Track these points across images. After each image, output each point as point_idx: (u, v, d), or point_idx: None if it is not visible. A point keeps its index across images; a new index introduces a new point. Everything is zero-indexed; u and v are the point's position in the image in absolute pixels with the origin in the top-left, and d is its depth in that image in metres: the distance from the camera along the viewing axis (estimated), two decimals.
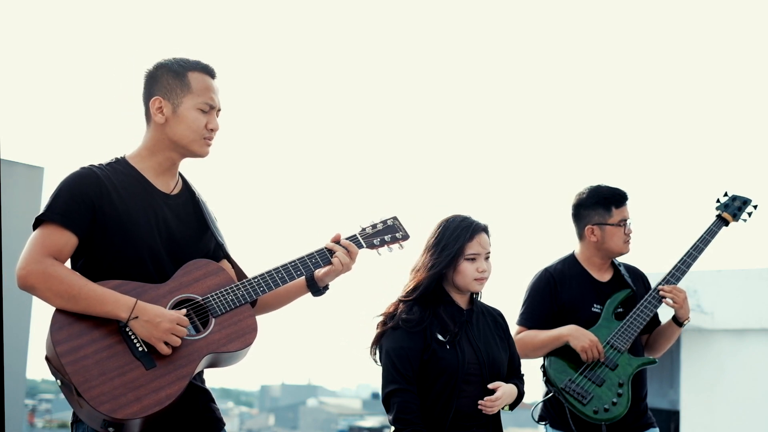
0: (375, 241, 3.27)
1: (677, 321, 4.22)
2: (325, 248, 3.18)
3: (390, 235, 3.30)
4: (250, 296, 3.01)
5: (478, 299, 3.62)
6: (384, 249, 3.29)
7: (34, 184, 7.83)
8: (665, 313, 4.30)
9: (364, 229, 3.29)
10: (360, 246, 3.24)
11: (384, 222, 3.32)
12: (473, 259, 3.48)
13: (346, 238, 3.23)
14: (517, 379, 3.59)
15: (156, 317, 2.82)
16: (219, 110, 3.10)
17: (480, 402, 3.39)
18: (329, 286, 3.26)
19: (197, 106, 3.04)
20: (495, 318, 3.64)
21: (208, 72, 3.09)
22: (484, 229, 3.54)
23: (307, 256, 3.15)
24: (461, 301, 3.55)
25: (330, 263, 3.16)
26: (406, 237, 3.32)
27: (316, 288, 3.24)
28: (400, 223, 3.34)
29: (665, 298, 4.17)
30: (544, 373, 4.15)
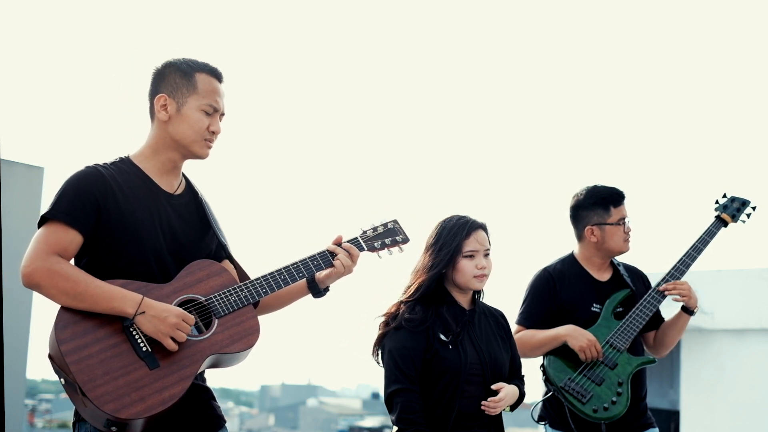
0: (376, 244, 3.29)
1: (688, 310, 4.23)
2: (327, 251, 3.19)
3: (390, 238, 3.31)
4: (253, 297, 3.03)
5: (480, 299, 3.62)
6: (384, 252, 3.31)
7: (34, 184, 7.85)
8: (668, 312, 4.32)
9: (365, 232, 3.30)
10: (361, 249, 3.25)
11: (385, 225, 3.34)
12: (472, 256, 3.49)
13: (348, 241, 3.25)
14: (518, 380, 3.59)
15: (162, 312, 2.83)
16: (222, 114, 3.11)
17: (483, 403, 3.39)
18: (329, 288, 3.28)
19: (201, 107, 3.05)
20: (497, 318, 3.64)
21: (216, 75, 3.10)
22: (482, 227, 3.55)
23: (309, 258, 3.16)
24: (463, 301, 3.55)
25: (331, 265, 3.18)
26: (406, 240, 3.34)
27: (317, 290, 3.25)
28: (400, 227, 3.36)
29: (670, 295, 4.17)
30: (544, 373, 4.16)
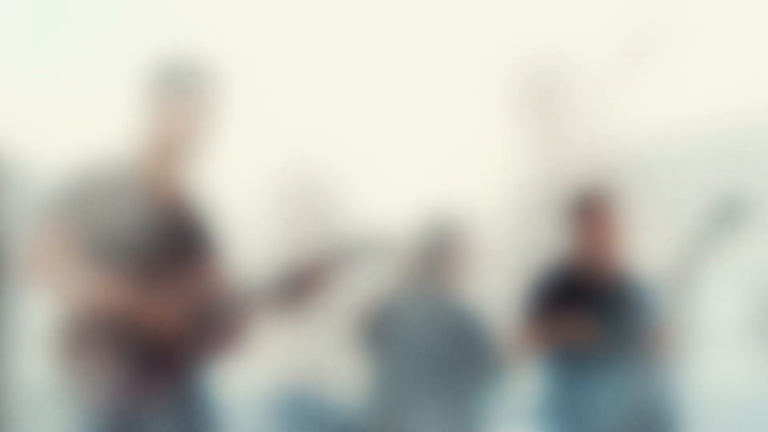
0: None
1: None
2: (320, 260, 3.20)
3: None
4: (248, 301, 3.04)
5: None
6: None
7: (32, 185, 7.85)
8: None
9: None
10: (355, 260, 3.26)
11: (382, 239, 3.35)
12: None
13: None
14: None
15: (159, 309, 2.85)
16: (218, 122, 3.12)
17: None
18: (319, 297, 3.28)
19: (197, 114, 3.05)
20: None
21: (217, 83, 3.10)
22: None
23: (302, 266, 3.17)
24: None
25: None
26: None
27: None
28: (393, 240, 3.37)
29: None
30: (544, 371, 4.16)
